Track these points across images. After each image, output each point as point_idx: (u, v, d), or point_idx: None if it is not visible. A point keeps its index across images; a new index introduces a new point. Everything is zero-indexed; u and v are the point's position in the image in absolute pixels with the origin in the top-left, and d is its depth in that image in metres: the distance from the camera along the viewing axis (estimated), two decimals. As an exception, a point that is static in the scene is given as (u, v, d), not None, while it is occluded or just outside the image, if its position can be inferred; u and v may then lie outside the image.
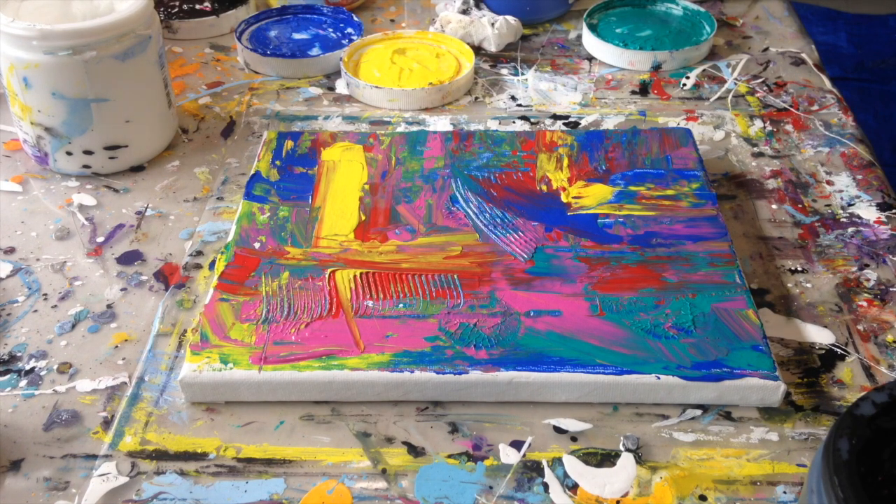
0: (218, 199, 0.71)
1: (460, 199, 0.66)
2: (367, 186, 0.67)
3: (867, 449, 0.37)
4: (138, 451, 0.51)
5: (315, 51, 0.88)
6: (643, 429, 0.52)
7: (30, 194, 0.72)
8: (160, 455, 0.51)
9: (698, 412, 0.53)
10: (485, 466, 0.50)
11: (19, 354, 0.57)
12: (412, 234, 0.63)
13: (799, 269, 0.63)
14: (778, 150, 0.76)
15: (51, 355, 0.57)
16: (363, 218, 0.64)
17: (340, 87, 0.85)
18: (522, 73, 0.87)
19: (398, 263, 0.60)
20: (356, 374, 0.53)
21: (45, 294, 0.62)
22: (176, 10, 0.96)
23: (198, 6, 0.96)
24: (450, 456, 0.51)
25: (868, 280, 0.62)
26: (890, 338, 0.58)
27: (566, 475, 0.50)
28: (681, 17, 0.93)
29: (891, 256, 0.64)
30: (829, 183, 0.72)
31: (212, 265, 0.64)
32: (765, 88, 0.84)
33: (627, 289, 0.58)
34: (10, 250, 0.66)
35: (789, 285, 0.62)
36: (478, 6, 0.96)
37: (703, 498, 0.48)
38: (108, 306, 0.61)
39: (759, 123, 0.79)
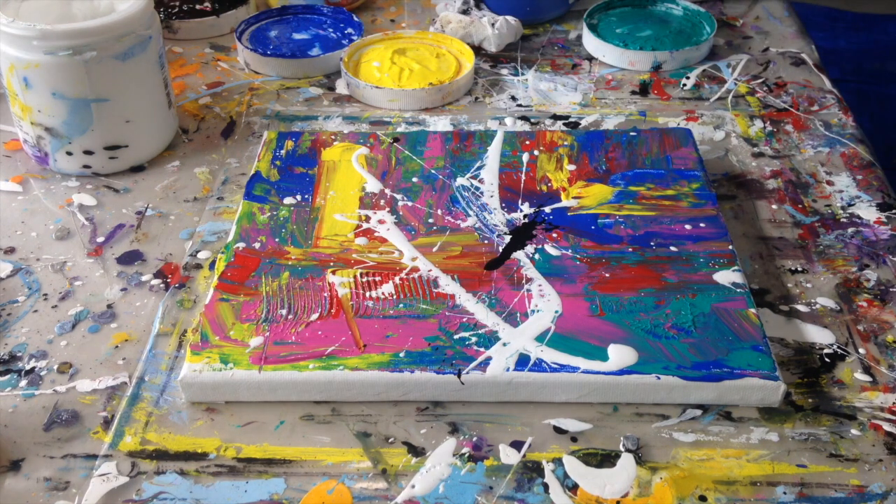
0: (218, 199, 0.71)
1: (461, 199, 0.66)
2: (366, 186, 0.67)
3: None
4: (138, 451, 0.51)
5: (315, 51, 0.88)
6: (643, 429, 0.52)
7: (30, 194, 0.72)
8: (160, 455, 0.51)
9: (698, 412, 0.53)
10: (485, 466, 0.50)
11: (19, 354, 0.57)
12: (412, 234, 0.63)
13: (799, 269, 0.63)
14: (778, 150, 0.76)
15: (51, 355, 0.57)
16: (363, 218, 0.64)
17: (340, 87, 0.85)
18: (522, 74, 0.87)
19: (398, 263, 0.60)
20: (356, 374, 0.53)
21: (46, 294, 0.62)
22: (176, 10, 0.96)
23: (198, 6, 0.96)
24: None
25: (868, 280, 0.62)
26: (890, 338, 0.58)
27: (566, 475, 0.50)
28: (681, 18, 0.93)
29: (891, 257, 0.64)
30: (829, 183, 0.72)
31: (212, 265, 0.64)
32: (765, 89, 0.84)
33: (627, 289, 0.58)
34: (10, 250, 0.66)
35: (789, 285, 0.62)
36: (478, 6, 0.96)
37: (703, 498, 0.48)
38: (109, 306, 0.61)
39: (759, 123, 0.79)
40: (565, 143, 0.71)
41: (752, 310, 0.56)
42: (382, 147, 0.71)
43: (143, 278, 0.63)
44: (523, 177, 0.68)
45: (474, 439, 0.52)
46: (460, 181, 0.68)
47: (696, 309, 0.56)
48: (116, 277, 0.64)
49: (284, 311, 0.56)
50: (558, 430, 0.52)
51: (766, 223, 0.68)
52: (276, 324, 0.56)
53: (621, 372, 0.52)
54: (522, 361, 0.53)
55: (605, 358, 0.53)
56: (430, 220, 0.64)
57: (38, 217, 0.69)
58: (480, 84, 0.86)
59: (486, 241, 0.62)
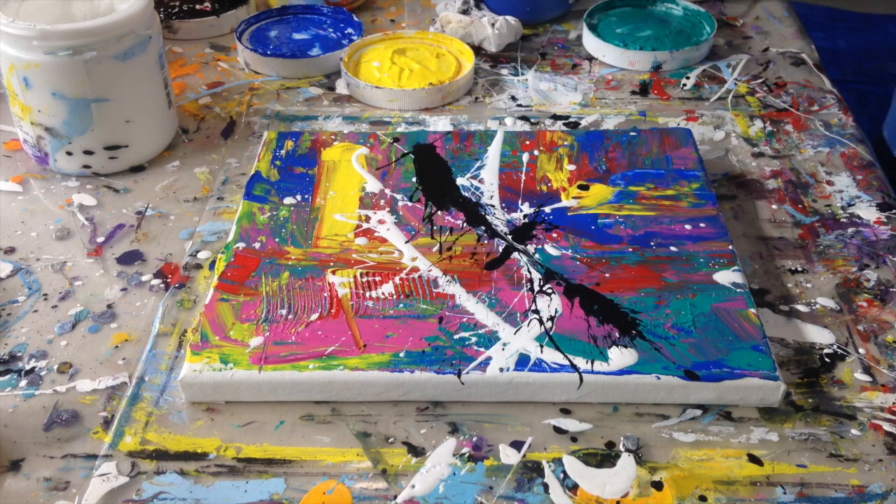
0: (218, 199, 0.71)
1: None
2: (366, 186, 0.67)
3: None
4: (138, 451, 0.51)
5: (315, 51, 0.88)
6: (643, 429, 0.52)
7: (30, 194, 0.72)
8: (160, 455, 0.51)
9: (698, 412, 0.53)
10: (485, 466, 0.50)
11: (19, 354, 0.57)
12: (412, 234, 0.63)
13: (799, 269, 0.63)
14: (778, 150, 0.76)
15: (51, 355, 0.57)
16: (363, 218, 0.64)
17: (340, 87, 0.85)
18: (522, 74, 0.87)
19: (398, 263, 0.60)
20: (356, 374, 0.53)
21: (46, 294, 0.62)
22: (176, 10, 0.96)
23: (198, 6, 0.97)
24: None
25: (868, 280, 0.62)
26: (890, 338, 0.58)
27: (566, 475, 0.50)
28: (681, 18, 0.93)
29: (891, 257, 0.64)
30: (829, 183, 0.72)
31: (212, 265, 0.64)
32: (765, 89, 0.84)
33: (627, 289, 0.58)
34: (10, 250, 0.66)
35: (789, 285, 0.62)
36: (478, 6, 0.96)
37: (703, 498, 0.48)
38: (109, 306, 0.61)
39: (759, 123, 0.79)
40: (565, 143, 0.71)
41: (752, 310, 0.56)
42: (382, 147, 0.71)
43: (143, 278, 0.63)
44: (523, 177, 0.68)
45: (474, 439, 0.52)
46: (460, 181, 0.68)
47: (696, 309, 0.56)
48: (116, 277, 0.64)
49: (284, 311, 0.56)
50: (558, 430, 0.52)
51: (766, 223, 0.68)
52: (276, 324, 0.56)
53: (621, 372, 0.52)
54: (522, 361, 0.53)
55: (605, 358, 0.53)
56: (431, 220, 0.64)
57: (38, 217, 0.69)
58: (480, 84, 0.86)
59: (486, 241, 0.62)
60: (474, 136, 0.72)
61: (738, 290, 0.57)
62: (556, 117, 0.80)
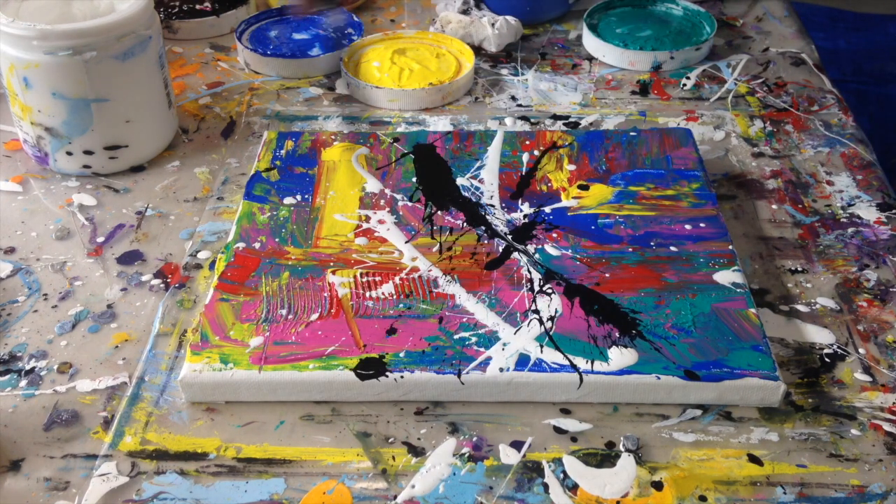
0: (218, 199, 0.71)
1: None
2: (366, 186, 0.67)
3: None
4: (138, 451, 0.51)
5: (315, 51, 0.88)
6: (643, 429, 0.52)
7: (30, 194, 0.72)
8: (160, 455, 0.51)
9: (698, 412, 0.53)
10: (485, 466, 0.50)
11: (19, 354, 0.57)
12: (412, 234, 0.63)
13: (799, 269, 0.63)
14: (778, 150, 0.76)
15: (51, 355, 0.57)
16: (363, 218, 0.64)
17: (340, 87, 0.85)
18: (522, 74, 0.87)
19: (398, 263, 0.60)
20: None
21: (46, 294, 0.62)
22: (176, 10, 0.96)
23: (198, 6, 0.96)
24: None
25: (868, 280, 0.62)
26: (890, 338, 0.58)
27: (566, 475, 0.50)
28: (681, 18, 0.93)
29: (891, 256, 0.64)
30: (829, 183, 0.72)
31: (212, 265, 0.64)
32: (765, 89, 0.84)
33: (627, 289, 0.58)
34: (11, 250, 0.66)
35: (789, 285, 0.62)
36: (478, 6, 0.96)
37: (703, 498, 0.48)
38: (109, 306, 0.61)
39: (759, 123, 0.79)
40: (566, 143, 0.71)
41: (752, 310, 0.56)
42: (382, 147, 0.71)
43: (143, 278, 0.63)
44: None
45: (474, 439, 0.52)
46: (460, 181, 0.68)
47: (696, 309, 0.56)
48: (116, 277, 0.64)
49: (284, 311, 0.56)
50: (558, 430, 0.52)
51: (766, 223, 0.68)
52: (276, 324, 0.56)
53: (621, 372, 0.52)
54: (522, 361, 0.53)
55: (605, 358, 0.53)
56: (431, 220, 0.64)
57: (38, 217, 0.69)
58: (480, 84, 0.86)
59: (486, 241, 0.62)
60: (474, 136, 0.72)
61: (738, 290, 0.57)
62: (556, 117, 0.80)
